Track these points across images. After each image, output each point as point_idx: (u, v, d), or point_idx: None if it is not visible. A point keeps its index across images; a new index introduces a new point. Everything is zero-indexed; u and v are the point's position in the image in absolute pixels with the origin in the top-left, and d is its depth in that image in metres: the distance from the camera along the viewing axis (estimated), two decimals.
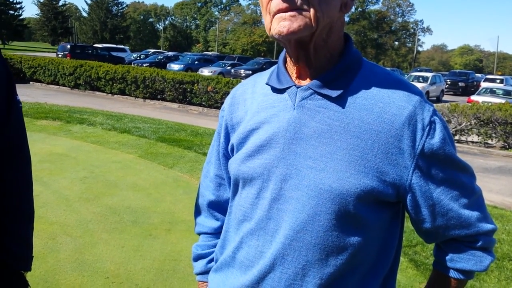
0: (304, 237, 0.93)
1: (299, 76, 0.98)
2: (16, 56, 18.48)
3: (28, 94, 13.40)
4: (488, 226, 0.98)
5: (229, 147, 1.11)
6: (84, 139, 7.51)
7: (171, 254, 3.53)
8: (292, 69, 1.00)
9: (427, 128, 0.90)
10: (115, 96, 15.53)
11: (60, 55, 26.42)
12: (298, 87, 0.96)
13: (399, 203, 0.98)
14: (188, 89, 14.16)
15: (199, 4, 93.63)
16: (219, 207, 1.21)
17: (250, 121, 1.03)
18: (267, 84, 1.03)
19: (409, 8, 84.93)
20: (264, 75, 1.08)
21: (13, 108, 1.26)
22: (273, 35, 0.89)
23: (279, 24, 0.87)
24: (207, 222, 1.23)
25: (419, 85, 22.79)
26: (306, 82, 0.97)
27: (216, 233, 1.21)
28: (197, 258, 1.23)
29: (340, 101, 0.93)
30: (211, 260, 1.19)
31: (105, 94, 15.79)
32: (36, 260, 1.35)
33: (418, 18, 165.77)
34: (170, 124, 9.76)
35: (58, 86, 16.89)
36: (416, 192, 0.93)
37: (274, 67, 1.06)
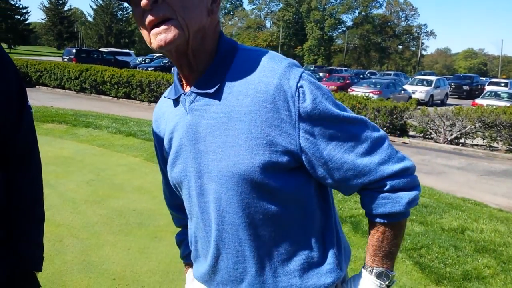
0: (230, 219, 1.04)
1: (188, 82, 1.08)
2: (22, 61, 18.63)
3: (34, 98, 13.48)
4: (394, 168, 1.00)
5: (161, 157, 1.25)
6: (90, 142, 7.56)
7: (177, 256, 3.50)
8: (183, 78, 1.09)
9: (296, 94, 0.96)
10: (121, 99, 15.60)
11: (66, 59, 26.54)
12: (185, 94, 1.06)
13: (304, 166, 1.03)
14: None
15: None
16: (180, 207, 1.29)
17: (167, 133, 1.15)
18: (165, 97, 1.16)
19: (413, 12, 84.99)
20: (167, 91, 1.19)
21: (25, 113, 1.29)
22: (155, 48, 0.97)
23: (156, 38, 0.96)
24: (178, 220, 1.39)
25: (423, 89, 22.76)
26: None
27: (185, 226, 1.33)
28: (178, 244, 1.43)
29: (219, 95, 1.01)
30: (187, 244, 1.32)
31: (110, 97, 15.88)
32: (43, 262, 1.38)
33: (422, 22, 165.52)
34: None
35: (64, 90, 17.00)
36: (308, 154, 0.98)
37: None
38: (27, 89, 1.33)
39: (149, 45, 0.99)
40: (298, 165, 1.01)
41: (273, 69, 0.98)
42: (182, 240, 1.40)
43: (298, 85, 0.96)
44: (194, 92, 1.03)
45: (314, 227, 1.08)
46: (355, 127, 0.99)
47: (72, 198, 4.76)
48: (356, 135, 0.99)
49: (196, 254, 1.23)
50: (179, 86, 1.09)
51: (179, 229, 1.43)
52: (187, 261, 1.38)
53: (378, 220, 1.04)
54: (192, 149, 1.05)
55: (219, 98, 1.01)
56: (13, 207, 1.28)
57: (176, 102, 1.10)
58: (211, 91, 1.01)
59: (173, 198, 1.30)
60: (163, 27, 0.95)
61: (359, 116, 1.01)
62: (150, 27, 0.96)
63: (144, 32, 0.99)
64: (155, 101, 14.79)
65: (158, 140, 1.22)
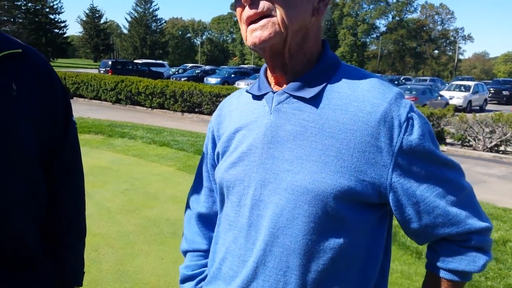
0: (284, 242, 0.92)
1: (277, 83, 1.01)
2: (61, 73, 19.26)
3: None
4: (481, 224, 0.93)
5: (215, 156, 1.13)
6: (126, 152, 7.71)
7: None
8: (271, 78, 1.02)
9: (404, 124, 0.88)
10: (155, 110, 15.88)
11: (102, 71, 27.28)
12: (274, 92, 0.98)
13: (385, 206, 0.95)
14: None
15: (235, 18, 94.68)
16: (209, 221, 1.18)
17: (233, 130, 1.05)
18: (247, 91, 1.06)
19: (449, 16, 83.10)
20: (248, 86, 1.11)
21: (70, 129, 1.33)
22: (249, 45, 0.93)
23: (252, 35, 0.91)
24: (197, 238, 1.19)
25: (461, 94, 22.17)
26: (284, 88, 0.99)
27: (205, 251, 1.18)
28: (185, 279, 1.18)
29: (315, 102, 0.93)
30: (201, 281, 1.15)
31: (145, 108, 16.18)
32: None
33: (459, 25, 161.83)
34: None
35: (100, 101, 17.45)
36: (398, 191, 0.90)
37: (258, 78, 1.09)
38: None
39: (244, 42, 0.95)
40: (380, 202, 0.92)
41: (384, 92, 0.91)
42: (195, 276, 1.17)
43: (409, 115, 0.89)
44: (287, 93, 0.96)
45: (371, 276, 0.96)
46: (449, 172, 0.92)
47: (108, 207, 4.86)
48: (450, 181, 0.91)
49: (216, 275, 1.06)
50: (266, 83, 1.02)
51: (190, 257, 1.20)
52: None
53: (446, 275, 0.95)
54: (264, 153, 0.96)
55: (314, 106, 0.93)
56: (57, 221, 1.30)
57: (258, 99, 1.02)
58: (308, 95, 0.93)
59: (207, 206, 1.18)
60: (260, 23, 0.89)
61: (454, 160, 0.94)
62: (248, 23, 0.91)
63: (242, 28, 0.95)
64: (188, 111, 15.00)
65: (214, 136, 1.14)
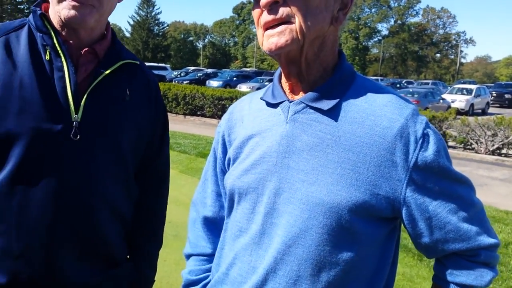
0: (296, 251, 0.92)
1: (292, 91, 1.00)
2: None
3: None
4: (490, 241, 0.94)
5: (226, 161, 1.12)
6: None
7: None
8: (285, 84, 1.01)
9: (420, 140, 0.89)
10: None
11: None
12: (290, 102, 0.97)
13: (396, 219, 0.96)
14: (227, 105, 14.32)
15: (237, 22, 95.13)
16: (215, 225, 1.17)
17: (245, 136, 1.05)
18: (261, 99, 1.05)
19: (451, 20, 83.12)
20: (260, 92, 1.10)
21: (165, 142, 1.41)
22: (265, 51, 0.92)
23: (268, 41, 0.90)
24: (201, 242, 1.19)
25: (463, 98, 22.16)
26: (299, 97, 0.98)
27: (210, 255, 1.17)
28: (189, 285, 1.17)
29: (332, 114, 0.94)
30: (205, 285, 1.14)
31: None
32: None
33: (460, 29, 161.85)
34: (209, 139, 9.89)
35: None
36: (412, 206, 0.91)
37: (270, 84, 1.08)
38: None
39: (260, 46, 0.94)
40: (392, 216, 0.93)
41: (401, 107, 0.92)
42: (200, 281, 1.15)
43: (425, 131, 0.90)
44: (304, 103, 0.95)
45: (378, 284, 0.97)
46: (461, 188, 0.94)
47: None
48: (462, 197, 0.93)
49: (222, 280, 1.05)
50: (281, 90, 1.01)
51: (194, 261, 1.19)
52: None
53: None
54: (279, 162, 0.95)
55: (331, 118, 0.93)
56: (143, 229, 1.37)
57: (273, 106, 1.02)
58: (325, 107, 0.93)
59: (214, 210, 1.17)
60: (278, 29, 0.89)
61: (466, 176, 0.95)
62: (265, 28, 0.91)
63: (258, 32, 0.94)
64: (190, 114, 15.03)
65: (225, 141, 1.13)
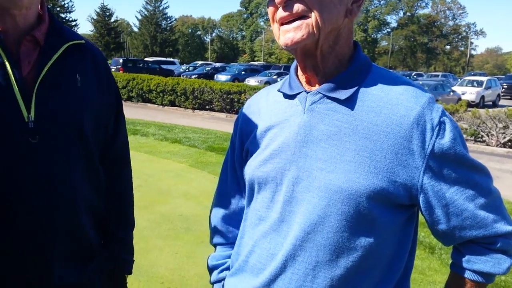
0: (315, 238, 0.94)
1: (309, 83, 1.02)
2: None
3: None
4: (508, 228, 0.95)
5: (244, 153, 1.14)
6: (138, 149, 7.76)
7: None
8: (302, 77, 1.03)
9: (437, 128, 0.90)
10: (166, 107, 15.97)
11: (113, 69, 27.45)
12: (307, 92, 0.99)
13: (414, 207, 0.97)
14: (236, 99, 14.34)
15: (245, 16, 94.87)
16: (235, 215, 1.20)
17: (263, 128, 1.07)
18: (279, 90, 1.07)
19: (460, 11, 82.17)
20: (277, 85, 1.12)
21: (121, 123, 1.35)
22: (281, 45, 0.93)
23: (284, 36, 0.92)
24: (222, 233, 1.23)
25: (474, 90, 21.93)
26: (315, 88, 0.99)
27: (231, 243, 1.21)
28: (212, 269, 1.23)
29: (349, 104, 0.95)
30: (224, 270, 1.19)
31: (156, 105, 16.28)
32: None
33: (470, 21, 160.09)
34: (218, 133, 9.92)
35: None
36: (429, 193, 0.92)
37: (287, 76, 1.09)
38: None
39: (276, 41, 0.96)
40: (410, 203, 0.95)
41: (417, 96, 0.93)
42: (219, 265, 1.21)
43: (441, 119, 0.91)
44: (321, 93, 0.97)
45: (395, 274, 0.99)
46: (478, 175, 0.94)
47: None
48: (479, 184, 0.93)
49: (242, 267, 1.09)
50: (298, 82, 1.03)
51: (218, 249, 1.25)
52: (219, 286, 1.21)
53: (470, 276, 0.97)
54: (297, 151, 0.97)
55: (348, 107, 0.95)
56: (111, 214, 1.34)
57: (290, 98, 1.03)
58: (342, 97, 0.95)
59: (234, 202, 1.20)
60: (294, 24, 0.91)
61: (483, 164, 0.96)
62: (281, 23, 0.93)
63: (274, 27, 0.96)
64: (199, 108, 15.06)
65: (242, 133, 1.15)
